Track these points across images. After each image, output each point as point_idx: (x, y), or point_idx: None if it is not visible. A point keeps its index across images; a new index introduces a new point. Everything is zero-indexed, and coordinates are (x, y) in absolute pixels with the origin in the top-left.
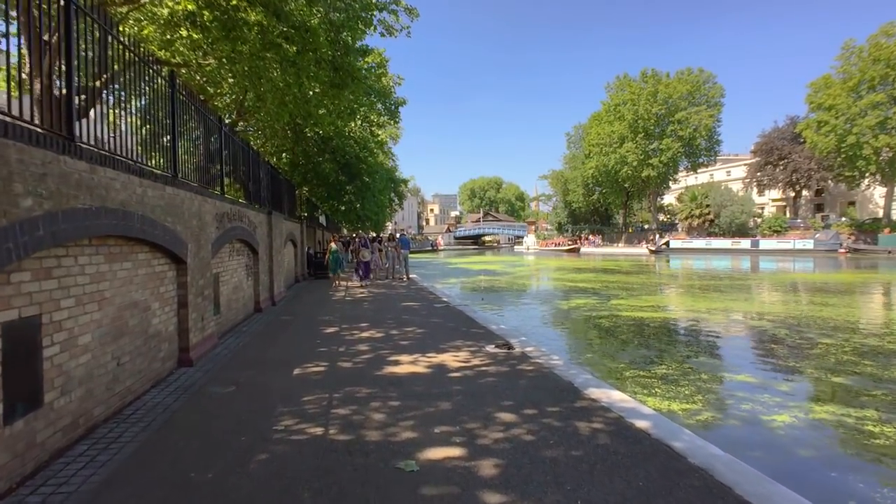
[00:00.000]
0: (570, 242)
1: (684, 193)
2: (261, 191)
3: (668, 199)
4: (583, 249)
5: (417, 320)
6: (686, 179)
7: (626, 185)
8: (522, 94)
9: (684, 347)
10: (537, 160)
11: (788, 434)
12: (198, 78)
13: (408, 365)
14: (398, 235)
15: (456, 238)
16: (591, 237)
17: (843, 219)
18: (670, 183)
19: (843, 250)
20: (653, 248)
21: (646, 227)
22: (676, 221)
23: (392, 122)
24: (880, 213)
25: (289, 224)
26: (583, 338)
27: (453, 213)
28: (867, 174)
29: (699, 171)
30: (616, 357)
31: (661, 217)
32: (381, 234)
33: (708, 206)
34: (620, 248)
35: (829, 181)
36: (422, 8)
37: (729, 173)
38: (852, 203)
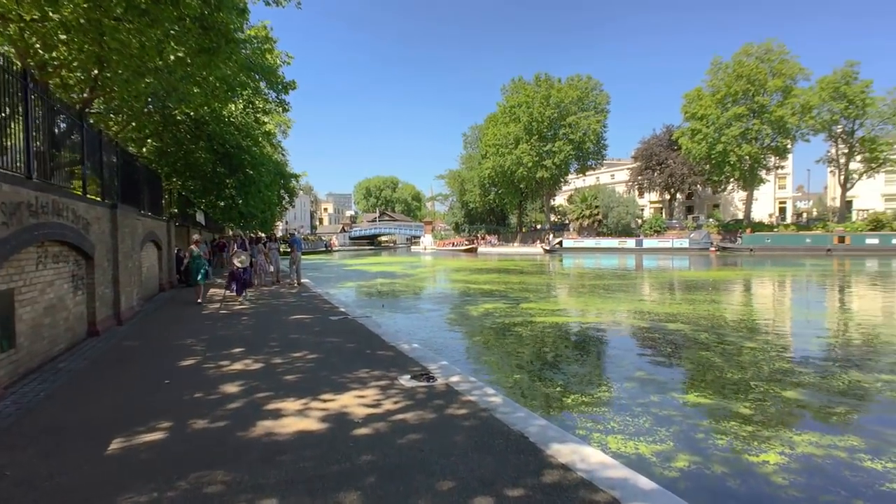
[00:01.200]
0: (467, 242)
1: (574, 195)
2: (103, 178)
3: (559, 200)
4: (480, 249)
5: (309, 341)
6: (575, 182)
7: (522, 186)
8: (419, 94)
9: (615, 360)
10: (434, 160)
11: (794, 484)
12: (31, 39)
13: (294, 417)
14: (291, 235)
15: (351, 238)
16: (487, 237)
17: (711, 220)
18: (561, 184)
19: (713, 248)
20: (547, 248)
21: (538, 227)
22: (567, 222)
23: (280, 108)
24: (739, 215)
25: (149, 222)
26: (504, 352)
27: (348, 213)
28: (732, 179)
29: (587, 173)
30: (548, 377)
31: (553, 217)
32: (268, 235)
33: (597, 207)
34: (516, 248)
35: (699, 185)
36: (312, 4)
37: (613, 177)
38: (717, 205)
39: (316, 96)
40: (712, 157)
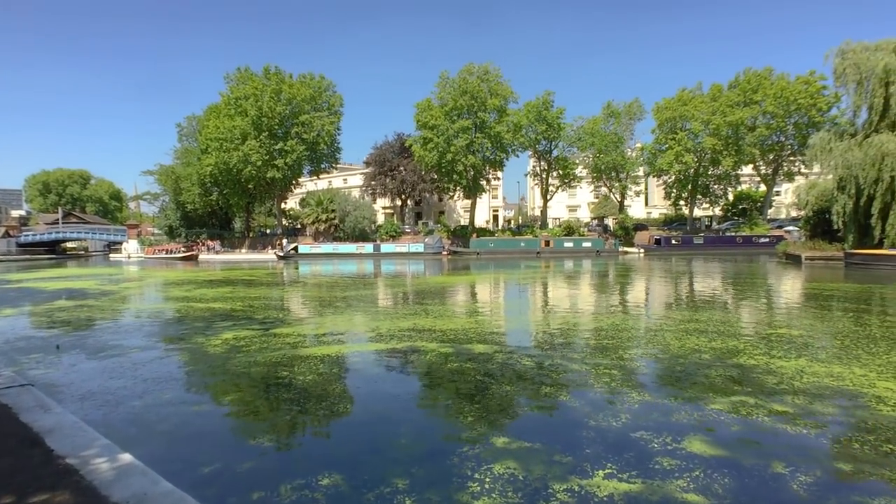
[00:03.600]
0: (184, 249)
1: (308, 198)
2: None
3: (291, 203)
4: (201, 257)
5: None
6: (307, 185)
7: (250, 187)
8: (121, 77)
9: (451, 419)
10: (139, 153)
11: None
12: None
13: None
14: None
15: (21, 245)
16: (209, 242)
17: (439, 225)
18: (294, 187)
19: (445, 252)
20: (281, 254)
21: (268, 231)
22: (301, 226)
23: None
24: (462, 221)
25: None
26: (289, 426)
27: (16, 213)
28: (458, 187)
29: (321, 176)
30: (378, 473)
31: (285, 222)
32: None
33: (333, 210)
34: (244, 255)
35: (427, 193)
36: None
37: (346, 181)
38: (443, 212)
39: None
40: (442, 165)
